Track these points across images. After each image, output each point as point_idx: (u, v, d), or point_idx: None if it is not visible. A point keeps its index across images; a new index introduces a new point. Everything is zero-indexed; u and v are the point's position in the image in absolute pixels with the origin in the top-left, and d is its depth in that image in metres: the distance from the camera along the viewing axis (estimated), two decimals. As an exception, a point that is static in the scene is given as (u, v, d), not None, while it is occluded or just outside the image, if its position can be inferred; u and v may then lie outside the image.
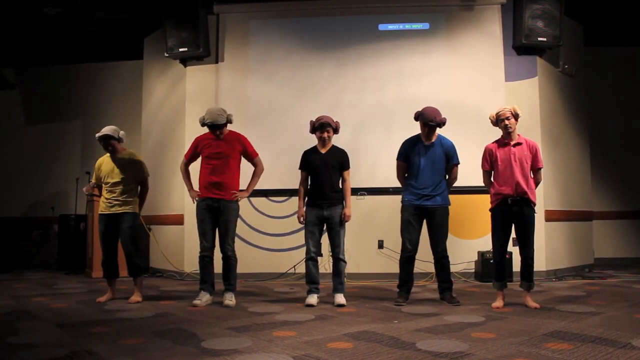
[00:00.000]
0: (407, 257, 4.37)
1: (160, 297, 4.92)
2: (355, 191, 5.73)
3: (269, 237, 6.15)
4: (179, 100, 6.61)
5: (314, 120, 4.48)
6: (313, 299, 4.31)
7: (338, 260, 4.42)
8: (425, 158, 4.34)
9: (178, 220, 6.40)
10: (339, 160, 4.49)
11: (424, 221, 4.38)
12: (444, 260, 4.37)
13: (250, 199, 6.14)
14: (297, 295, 4.92)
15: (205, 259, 4.40)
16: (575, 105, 6.70)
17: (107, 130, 4.65)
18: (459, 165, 4.47)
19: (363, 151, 5.99)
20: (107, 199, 4.65)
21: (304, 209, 4.51)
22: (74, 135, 8.39)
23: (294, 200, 6.09)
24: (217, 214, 4.38)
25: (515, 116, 4.08)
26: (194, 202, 4.43)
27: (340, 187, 4.50)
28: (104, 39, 7.79)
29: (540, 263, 5.75)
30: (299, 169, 4.60)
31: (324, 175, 4.42)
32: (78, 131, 8.35)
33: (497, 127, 4.16)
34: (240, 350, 2.88)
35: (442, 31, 6.24)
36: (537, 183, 4.16)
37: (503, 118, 4.07)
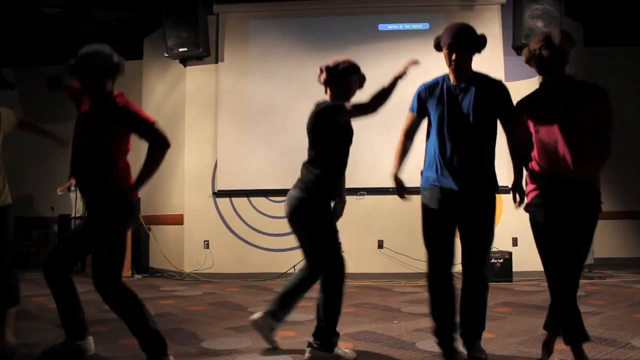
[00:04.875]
0: (438, 276, 2.59)
1: (160, 297, 4.91)
2: (355, 191, 5.73)
3: (269, 237, 6.14)
4: (178, 100, 6.61)
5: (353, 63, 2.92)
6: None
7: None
8: (454, 108, 2.61)
9: (178, 220, 6.40)
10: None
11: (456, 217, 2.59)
12: (484, 290, 2.56)
13: (250, 199, 6.14)
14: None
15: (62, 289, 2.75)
16: (575, 105, 6.69)
17: None
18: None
19: (363, 151, 5.91)
20: None
21: (329, 206, 2.89)
22: (73, 135, 8.35)
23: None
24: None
25: (555, 42, 2.46)
26: (59, 193, 2.65)
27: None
28: (104, 39, 7.72)
29: (541, 263, 5.75)
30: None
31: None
32: (78, 131, 8.35)
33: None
34: (240, 350, 2.88)
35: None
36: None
37: (535, 48, 2.49)
